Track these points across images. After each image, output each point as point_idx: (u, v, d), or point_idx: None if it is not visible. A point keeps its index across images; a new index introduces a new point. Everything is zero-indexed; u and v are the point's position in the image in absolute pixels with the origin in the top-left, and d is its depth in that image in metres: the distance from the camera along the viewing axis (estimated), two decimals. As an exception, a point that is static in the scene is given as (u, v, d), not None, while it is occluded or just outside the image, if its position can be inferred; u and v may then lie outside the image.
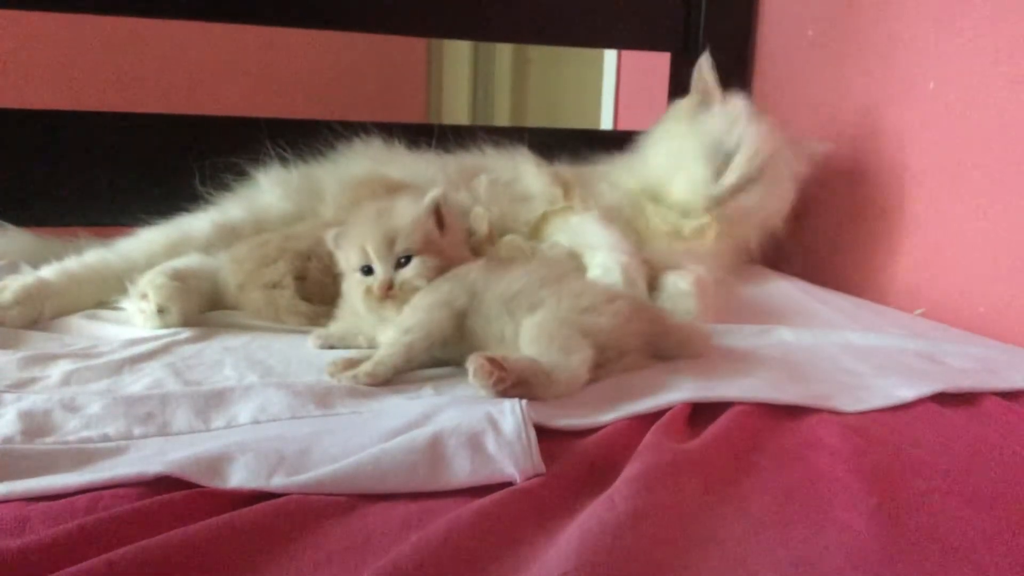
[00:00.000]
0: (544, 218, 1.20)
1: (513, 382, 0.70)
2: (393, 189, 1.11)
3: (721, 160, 1.19)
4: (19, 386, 0.75)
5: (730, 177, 1.18)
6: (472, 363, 0.70)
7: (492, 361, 0.70)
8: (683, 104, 1.27)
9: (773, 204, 1.25)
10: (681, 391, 0.73)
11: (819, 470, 0.61)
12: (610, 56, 2.13)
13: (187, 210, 1.18)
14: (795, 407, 0.73)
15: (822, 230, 1.44)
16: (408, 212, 0.88)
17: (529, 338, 0.76)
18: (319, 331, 0.93)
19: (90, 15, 1.39)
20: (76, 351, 0.86)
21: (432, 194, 0.89)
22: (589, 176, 1.30)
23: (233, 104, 2.25)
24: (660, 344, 0.85)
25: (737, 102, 1.22)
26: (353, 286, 0.89)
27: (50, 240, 1.24)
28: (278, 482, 0.56)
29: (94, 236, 1.23)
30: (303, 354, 0.89)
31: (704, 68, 1.23)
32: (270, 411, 0.70)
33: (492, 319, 0.81)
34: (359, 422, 0.68)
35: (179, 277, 0.99)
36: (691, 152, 1.20)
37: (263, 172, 1.23)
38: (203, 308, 1.02)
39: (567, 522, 0.53)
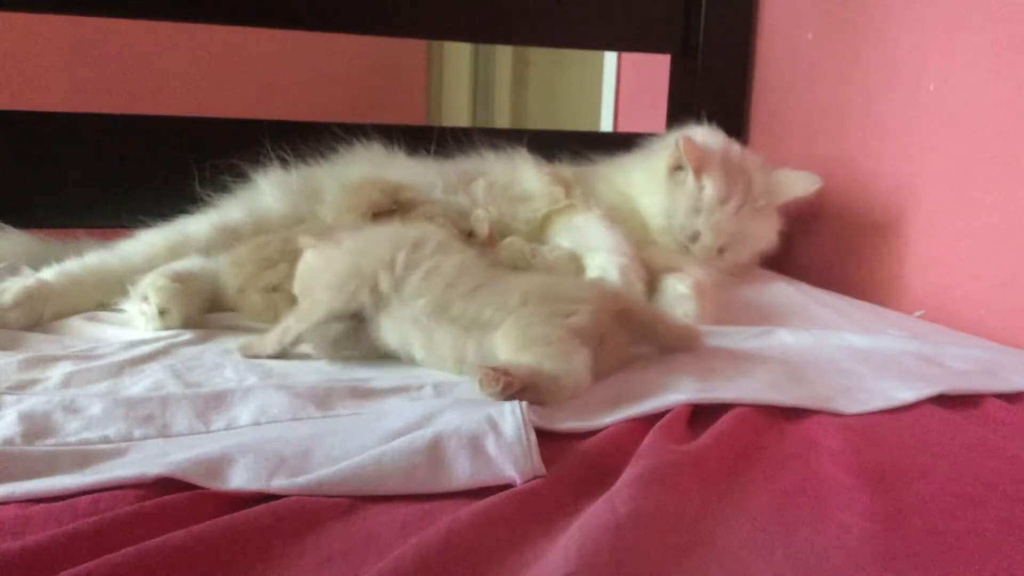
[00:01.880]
0: (548, 217, 1.21)
1: (520, 387, 0.70)
2: (391, 192, 1.12)
3: (686, 237, 1.20)
4: (19, 388, 0.75)
5: (695, 252, 1.20)
6: (478, 373, 0.71)
7: (496, 369, 0.70)
8: (663, 160, 1.23)
9: (749, 249, 1.26)
10: (681, 392, 0.73)
11: (819, 472, 0.61)
12: (610, 58, 2.13)
13: (187, 212, 1.18)
14: (795, 409, 0.73)
15: (822, 232, 1.44)
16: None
17: (517, 346, 0.76)
18: None
19: (90, 17, 1.39)
20: (76, 353, 0.86)
21: None
22: (588, 176, 1.30)
23: (233, 106, 2.26)
24: (640, 330, 0.86)
25: (709, 185, 1.19)
26: None
27: (51, 242, 1.24)
28: (278, 484, 0.56)
29: (94, 238, 1.23)
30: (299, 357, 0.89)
31: (684, 146, 1.19)
32: (270, 413, 0.70)
33: (448, 341, 0.81)
34: (359, 423, 0.68)
35: (180, 279, 0.99)
36: (660, 222, 1.22)
37: (263, 174, 1.23)
38: (203, 310, 1.02)
39: (568, 524, 0.53)
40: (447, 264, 0.83)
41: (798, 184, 1.26)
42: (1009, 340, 1.03)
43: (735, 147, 1.27)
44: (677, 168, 1.21)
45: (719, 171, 1.20)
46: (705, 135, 1.28)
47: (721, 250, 1.21)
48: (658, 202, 1.22)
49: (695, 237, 1.20)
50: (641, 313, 0.88)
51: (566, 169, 1.31)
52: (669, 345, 0.88)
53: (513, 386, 0.69)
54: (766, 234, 1.27)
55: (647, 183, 1.25)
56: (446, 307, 0.81)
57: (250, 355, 0.87)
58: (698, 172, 1.19)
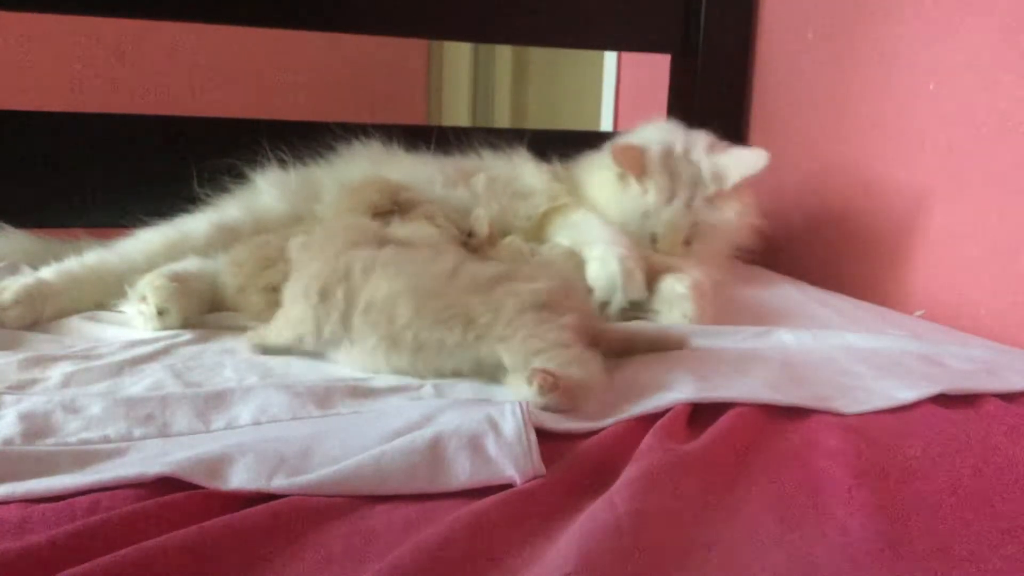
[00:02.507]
0: (546, 216, 1.21)
1: (571, 391, 0.70)
2: (391, 193, 1.12)
3: (646, 240, 1.20)
4: (19, 387, 0.75)
5: (660, 251, 1.19)
6: (533, 377, 0.70)
7: (548, 372, 0.70)
8: (610, 169, 1.22)
9: (718, 237, 1.24)
10: (681, 392, 0.73)
11: (819, 471, 0.61)
12: (610, 58, 2.13)
13: (187, 211, 1.18)
14: (795, 408, 0.73)
15: (822, 232, 1.44)
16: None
17: (529, 351, 0.75)
18: None
19: (90, 17, 1.39)
20: (76, 353, 0.86)
21: None
22: (577, 175, 1.31)
23: (232, 106, 2.25)
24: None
25: (651, 188, 1.18)
26: None
27: (50, 241, 1.24)
28: (278, 483, 0.56)
29: (94, 238, 1.23)
30: (303, 355, 0.89)
31: (614, 154, 1.19)
32: (270, 412, 0.70)
33: (416, 362, 0.80)
34: (359, 423, 0.68)
35: (178, 279, 0.99)
36: (620, 223, 1.19)
37: (262, 174, 1.23)
38: (202, 310, 1.02)
39: (567, 524, 0.53)
40: (380, 296, 0.80)
41: (746, 163, 1.22)
42: (1009, 340, 1.03)
43: (680, 138, 1.25)
44: (624, 174, 1.21)
45: (659, 171, 1.19)
46: (653, 132, 1.28)
47: (687, 243, 1.21)
48: (612, 210, 1.21)
49: (654, 238, 1.20)
50: (589, 317, 0.87)
51: (561, 169, 1.31)
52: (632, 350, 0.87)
53: (569, 390, 0.69)
54: (730, 219, 1.24)
55: (600, 191, 1.24)
56: (398, 339, 0.79)
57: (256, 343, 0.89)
58: (639, 176, 1.19)
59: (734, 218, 1.24)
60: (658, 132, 1.28)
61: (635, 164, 1.19)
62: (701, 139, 1.26)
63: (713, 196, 1.21)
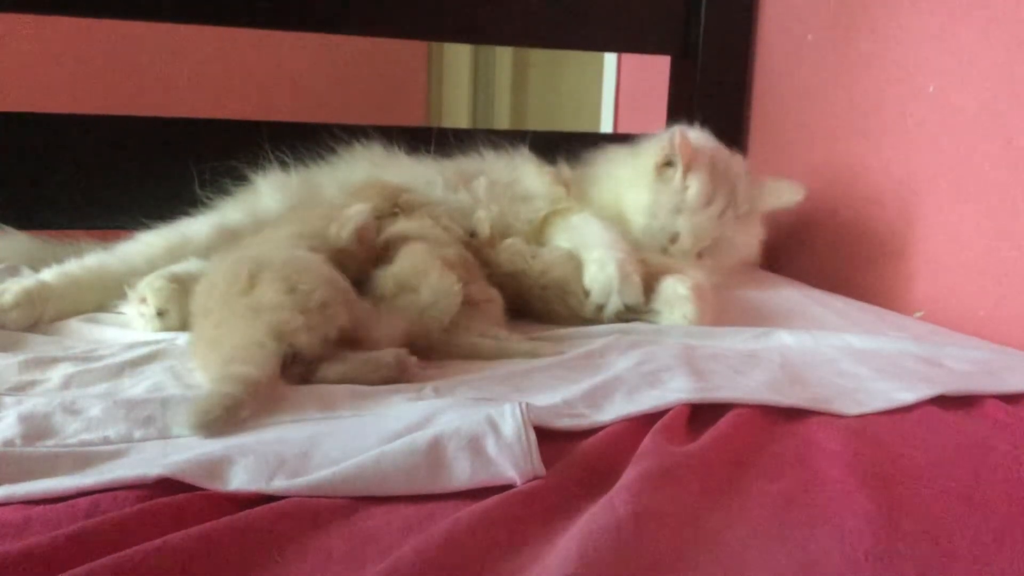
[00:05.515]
0: (546, 219, 1.21)
1: None
2: (392, 196, 1.12)
3: (665, 238, 1.19)
4: (19, 389, 0.75)
5: (673, 254, 1.19)
6: None
7: None
8: (652, 156, 1.22)
9: (728, 256, 1.24)
10: (680, 392, 0.73)
11: (819, 473, 0.61)
12: (610, 59, 2.14)
13: (187, 214, 1.18)
14: (795, 410, 0.73)
15: (822, 234, 1.44)
16: None
17: None
18: None
19: (90, 18, 1.39)
20: (76, 354, 0.86)
21: None
22: (582, 178, 1.30)
23: (233, 108, 2.26)
24: None
25: (694, 184, 1.18)
26: None
27: (51, 243, 1.24)
28: (278, 485, 0.56)
29: (94, 240, 1.23)
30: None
31: (678, 140, 1.18)
32: (271, 413, 0.70)
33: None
34: (360, 424, 0.68)
35: (178, 280, 0.99)
36: (642, 220, 1.20)
37: (262, 176, 1.23)
38: (203, 311, 1.02)
39: (568, 525, 0.53)
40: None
41: (782, 194, 1.25)
42: (1009, 340, 1.03)
43: (723, 151, 1.26)
44: (666, 164, 1.20)
45: (706, 172, 1.19)
46: (696, 136, 1.28)
47: (700, 255, 1.20)
48: (642, 199, 1.20)
49: (674, 239, 1.19)
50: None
51: (566, 170, 1.31)
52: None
53: None
54: (747, 242, 1.26)
55: (633, 178, 1.23)
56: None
57: None
58: (686, 170, 1.19)
59: (753, 243, 1.25)
60: (705, 140, 1.28)
61: (691, 156, 1.18)
62: (741, 161, 1.27)
63: (742, 216, 1.22)
